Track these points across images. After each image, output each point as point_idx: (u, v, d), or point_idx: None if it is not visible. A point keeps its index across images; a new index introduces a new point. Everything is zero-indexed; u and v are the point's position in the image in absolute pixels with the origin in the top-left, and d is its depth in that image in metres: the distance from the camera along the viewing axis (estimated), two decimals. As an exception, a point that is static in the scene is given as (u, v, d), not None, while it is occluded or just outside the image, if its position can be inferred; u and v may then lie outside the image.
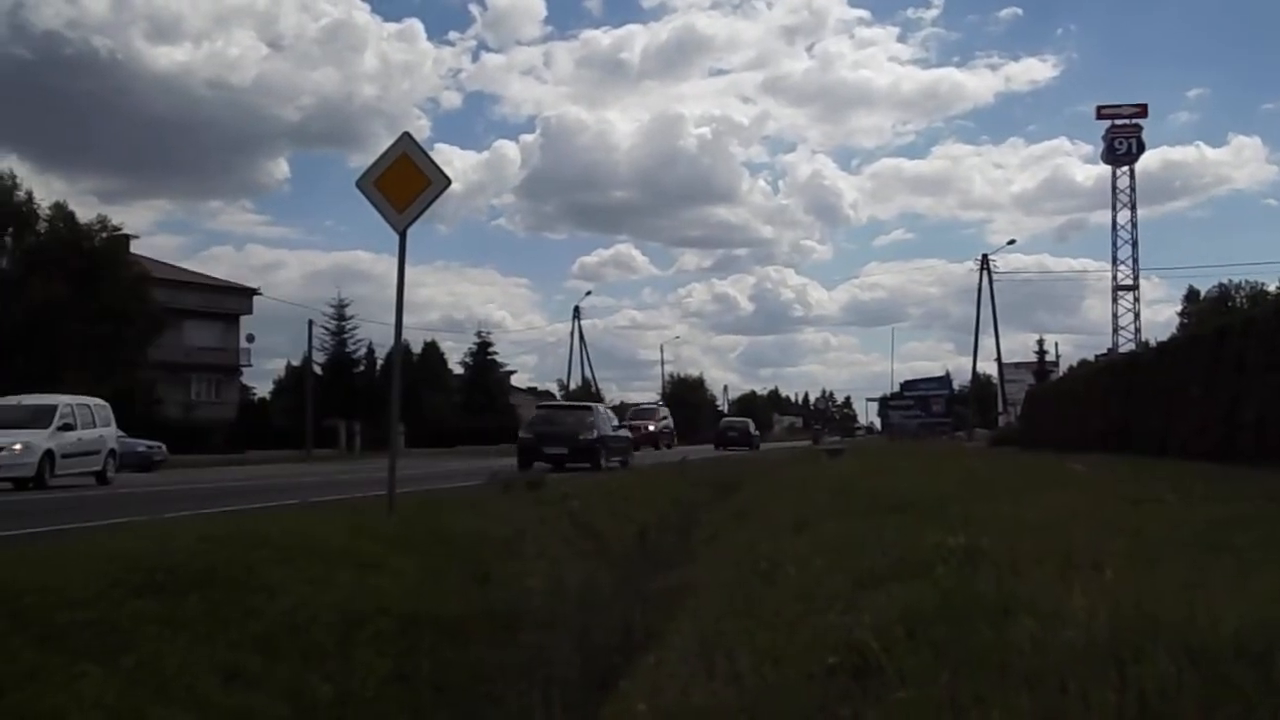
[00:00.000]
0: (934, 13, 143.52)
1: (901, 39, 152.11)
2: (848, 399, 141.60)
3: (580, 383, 74.79)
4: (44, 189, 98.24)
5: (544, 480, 14.19)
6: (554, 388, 79.09)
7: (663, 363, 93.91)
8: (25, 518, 11.77)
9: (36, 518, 11.70)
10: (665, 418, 51.46)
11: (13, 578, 5.18)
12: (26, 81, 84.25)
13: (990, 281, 61.87)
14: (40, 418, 20.70)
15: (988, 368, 69.16)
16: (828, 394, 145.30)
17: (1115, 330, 54.91)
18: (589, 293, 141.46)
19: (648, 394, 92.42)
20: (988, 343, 65.10)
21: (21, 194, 42.82)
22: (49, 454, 20.07)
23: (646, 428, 46.64)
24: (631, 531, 12.35)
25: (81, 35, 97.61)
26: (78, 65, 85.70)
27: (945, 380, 70.87)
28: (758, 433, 57.51)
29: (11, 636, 4.49)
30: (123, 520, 9.58)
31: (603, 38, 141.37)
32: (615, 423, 28.31)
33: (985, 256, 63.08)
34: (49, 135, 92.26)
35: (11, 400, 22.05)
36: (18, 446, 19.58)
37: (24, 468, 19.57)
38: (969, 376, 70.47)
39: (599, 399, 56.38)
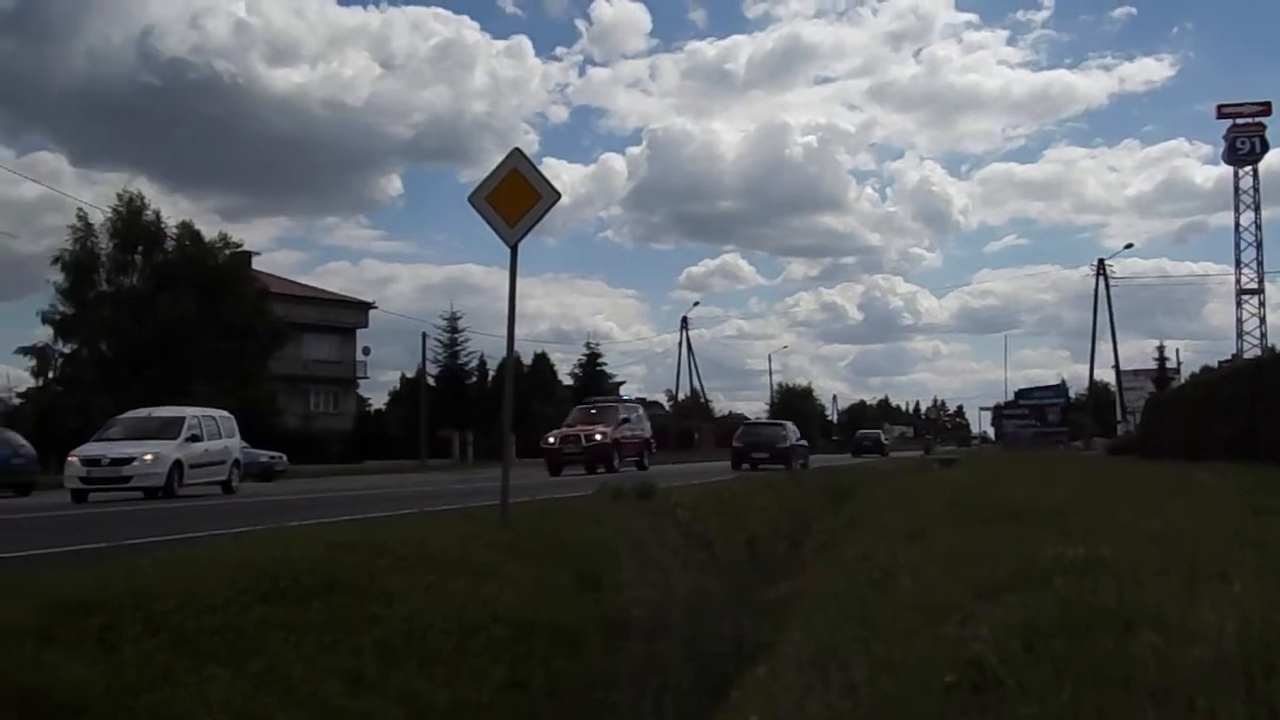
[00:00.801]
0: (1044, 14, 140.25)
1: (1011, 42, 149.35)
2: (960, 408, 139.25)
3: (689, 393, 74.76)
4: (171, 208, 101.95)
5: (654, 489, 14.22)
6: (663, 398, 79.21)
7: (770, 372, 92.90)
8: (157, 526, 12.19)
9: (167, 526, 12.10)
10: (627, 419, 31.52)
11: (147, 584, 5.36)
12: (154, 106, 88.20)
13: (1107, 286, 60.25)
14: (169, 429, 21.45)
15: (1105, 375, 67.43)
16: (939, 403, 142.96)
17: (1240, 335, 52.88)
18: (697, 303, 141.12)
19: (756, 404, 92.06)
20: (1105, 349, 63.30)
21: (150, 214, 44.80)
22: (178, 464, 20.76)
23: (591, 436, 29.47)
24: (742, 540, 12.32)
25: (205, 60, 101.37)
26: (201, 89, 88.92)
27: (1061, 388, 69.36)
28: (888, 442, 71.61)
29: (145, 640, 4.65)
30: (248, 528, 9.86)
31: (708, 49, 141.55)
32: (799, 435, 36.77)
33: (1101, 261, 61.47)
34: (175, 157, 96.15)
35: (142, 412, 22.91)
36: (149, 456, 20.31)
37: (154, 477, 20.27)
38: (1085, 384, 68.79)
39: (707, 409, 56.10)
